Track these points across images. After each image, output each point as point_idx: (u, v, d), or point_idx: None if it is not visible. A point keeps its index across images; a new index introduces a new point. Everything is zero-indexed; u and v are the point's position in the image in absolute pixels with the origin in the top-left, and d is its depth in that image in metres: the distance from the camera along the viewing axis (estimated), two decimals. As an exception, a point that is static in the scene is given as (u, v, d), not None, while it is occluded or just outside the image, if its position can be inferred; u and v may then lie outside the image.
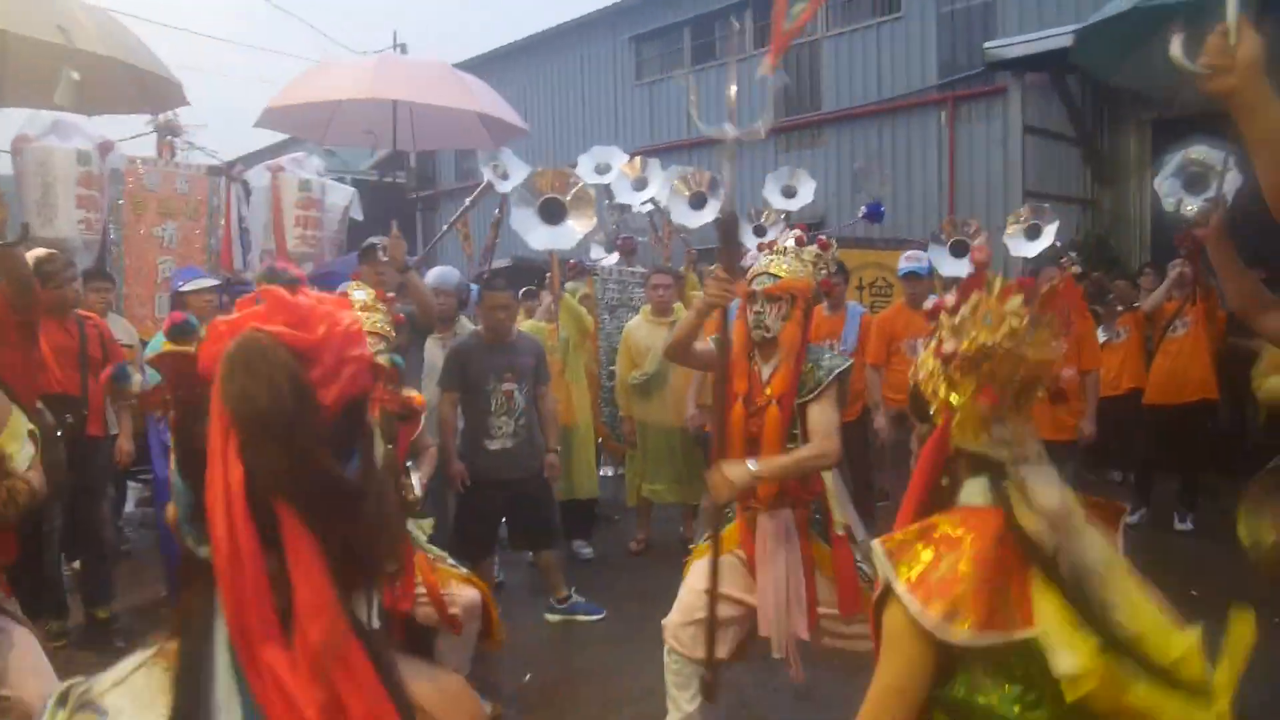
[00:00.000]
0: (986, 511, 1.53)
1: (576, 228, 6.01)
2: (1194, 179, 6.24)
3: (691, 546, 3.49)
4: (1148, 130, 10.38)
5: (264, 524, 0.82)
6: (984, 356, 1.54)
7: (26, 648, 2.61)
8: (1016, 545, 1.46)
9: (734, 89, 3.00)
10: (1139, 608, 1.43)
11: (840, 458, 3.07)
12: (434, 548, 3.62)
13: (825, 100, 13.33)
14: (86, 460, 4.63)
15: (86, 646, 4.52)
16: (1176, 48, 1.71)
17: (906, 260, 6.13)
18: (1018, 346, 1.53)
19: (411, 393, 3.60)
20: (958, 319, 1.59)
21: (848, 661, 3.13)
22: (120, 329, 5.48)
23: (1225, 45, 1.65)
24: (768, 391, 3.11)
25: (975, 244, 6.39)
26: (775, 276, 3.12)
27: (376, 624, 0.97)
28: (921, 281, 6.03)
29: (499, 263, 9.69)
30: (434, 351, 5.17)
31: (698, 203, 7.69)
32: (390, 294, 3.65)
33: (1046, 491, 1.48)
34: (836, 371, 3.11)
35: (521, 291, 7.17)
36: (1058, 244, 7.14)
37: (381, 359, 3.05)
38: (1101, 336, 6.51)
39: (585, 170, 7.67)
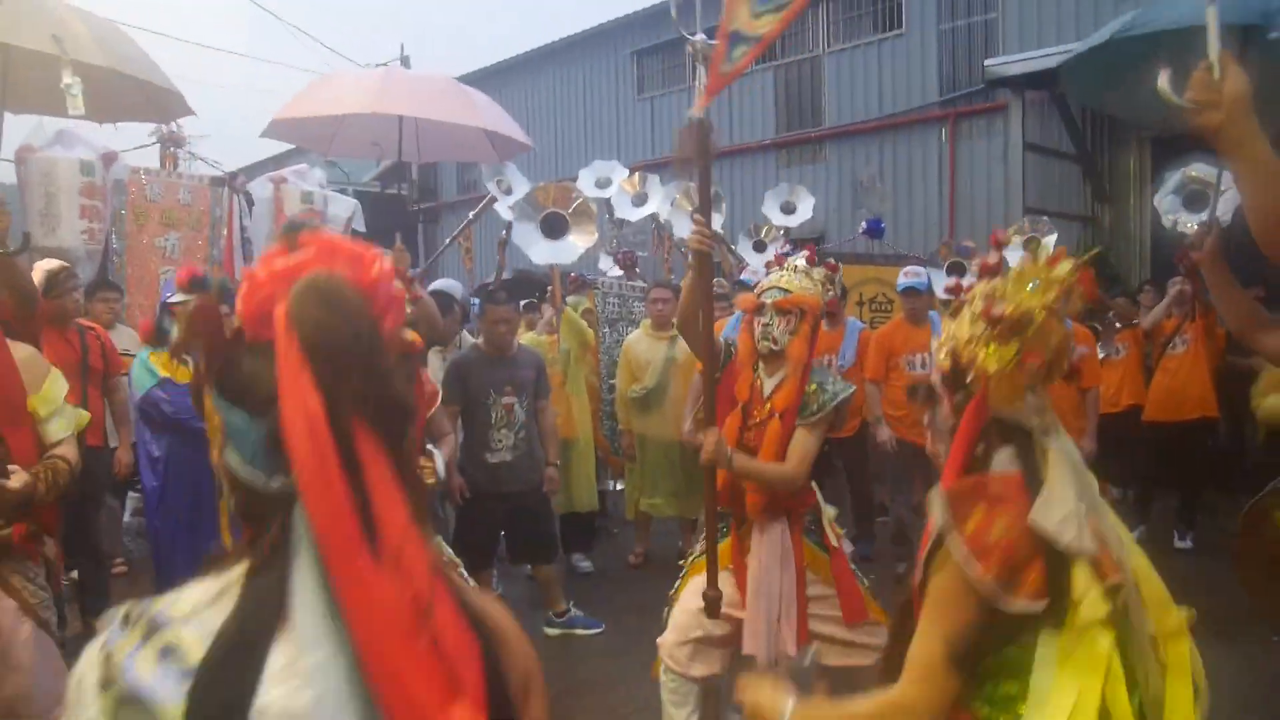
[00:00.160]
0: (1020, 477, 1.57)
1: (578, 242, 6.03)
2: (1193, 196, 6.27)
3: (682, 562, 3.49)
4: (1147, 147, 10.41)
5: (342, 447, 0.88)
6: (1029, 320, 1.58)
7: (28, 643, 2.51)
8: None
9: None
10: (1148, 578, 1.54)
11: (800, 486, 3.09)
12: (449, 548, 3.61)
13: (827, 116, 13.38)
14: (85, 470, 4.60)
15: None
16: (1164, 81, 1.72)
17: (906, 275, 6.14)
18: (1059, 312, 1.59)
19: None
20: (999, 286, 1.63)
21: (836, 679, 3.13)
22: (127, 339, 5.49)
23: (1211, 81, 1.66)
24: (769, 405, 3.12)
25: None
26: (786, 291, 3.14)
27: None
28: (921, 297, 6.04)
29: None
30: (434, 364, 5.18)
31: (700, 217, 7.69)
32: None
33: (1060, 504, 1.52)
34: (839, 399, 3.12)
35: (523, 304, 7.19)
36: None
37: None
38: (1101, 353, 6.51)
39: (586, 184, 7.71)
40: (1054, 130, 10.20)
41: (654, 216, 8.35)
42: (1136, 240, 10.60)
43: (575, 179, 7.71)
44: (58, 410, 2.69)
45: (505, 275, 7.63)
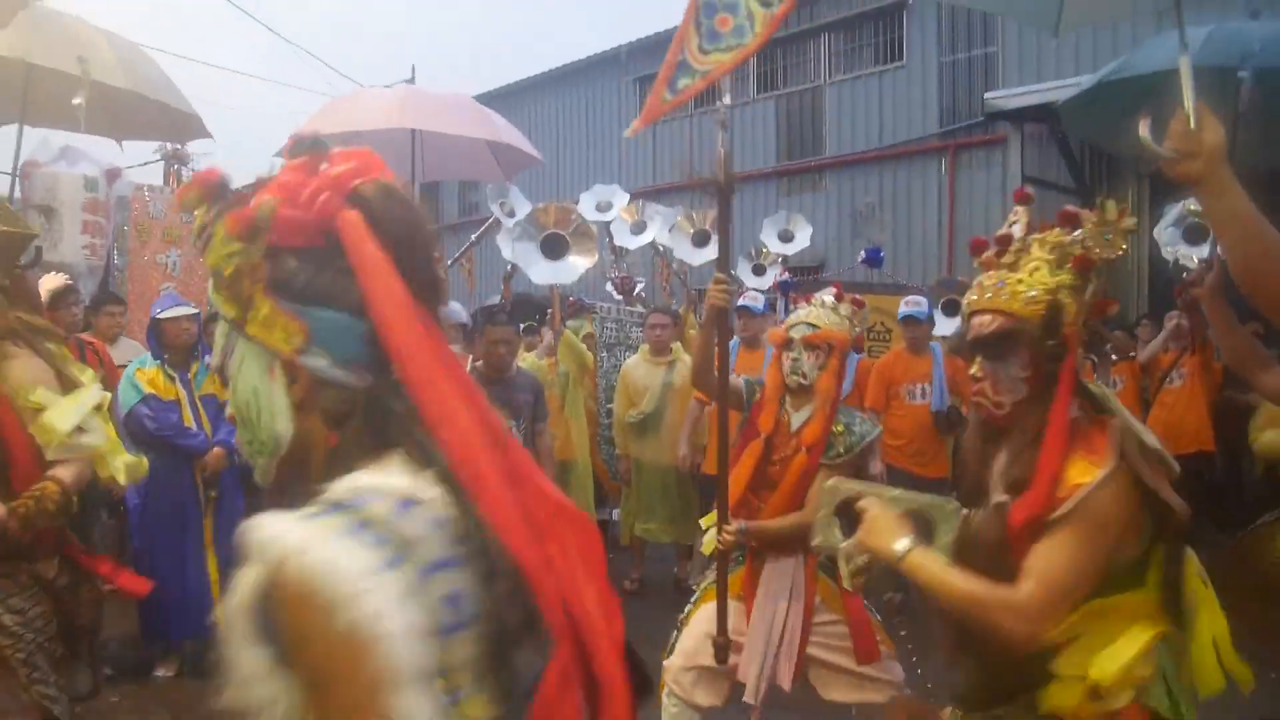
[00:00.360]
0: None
1: (578, 262, 6.04)
2: (1193, 230, 6.28)
3: (693, 584, 3.48)
4: (1146, 181, 10.47)
5: (429, 332, 0.98)
6: (1102, 269, 1.70)
7: None
8: None
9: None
10: None
11: None
12: None
13: (827, 145, 13.48)
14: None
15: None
16: (1145, 130, 1.75)
17: (907, 305, 6.15)
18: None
19: None
20: (1078, 235, 1.74)
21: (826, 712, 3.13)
22: (131, 353, 5.47)
23: (1189, 131, 1.68)
24: (795, 440, 3.12)
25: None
26: (814, 326, 3.17)
27: None
28: (921, 326, 6.05)
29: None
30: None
31: (701, 240, 7.74)
32: None
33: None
34: (866, 440, 3.15)
35: (522, 328, 7.19)
36: None
37: None
38: (1098, 386, 6.51)
39: (587, 208, 7.73)
40: (1053, 163, 10.26)
41: (653, 243, 8.36)
42: (1134, 274, 10.64)
43: (577, 202, 7.74)
44: (69, 415, 2.44)
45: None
